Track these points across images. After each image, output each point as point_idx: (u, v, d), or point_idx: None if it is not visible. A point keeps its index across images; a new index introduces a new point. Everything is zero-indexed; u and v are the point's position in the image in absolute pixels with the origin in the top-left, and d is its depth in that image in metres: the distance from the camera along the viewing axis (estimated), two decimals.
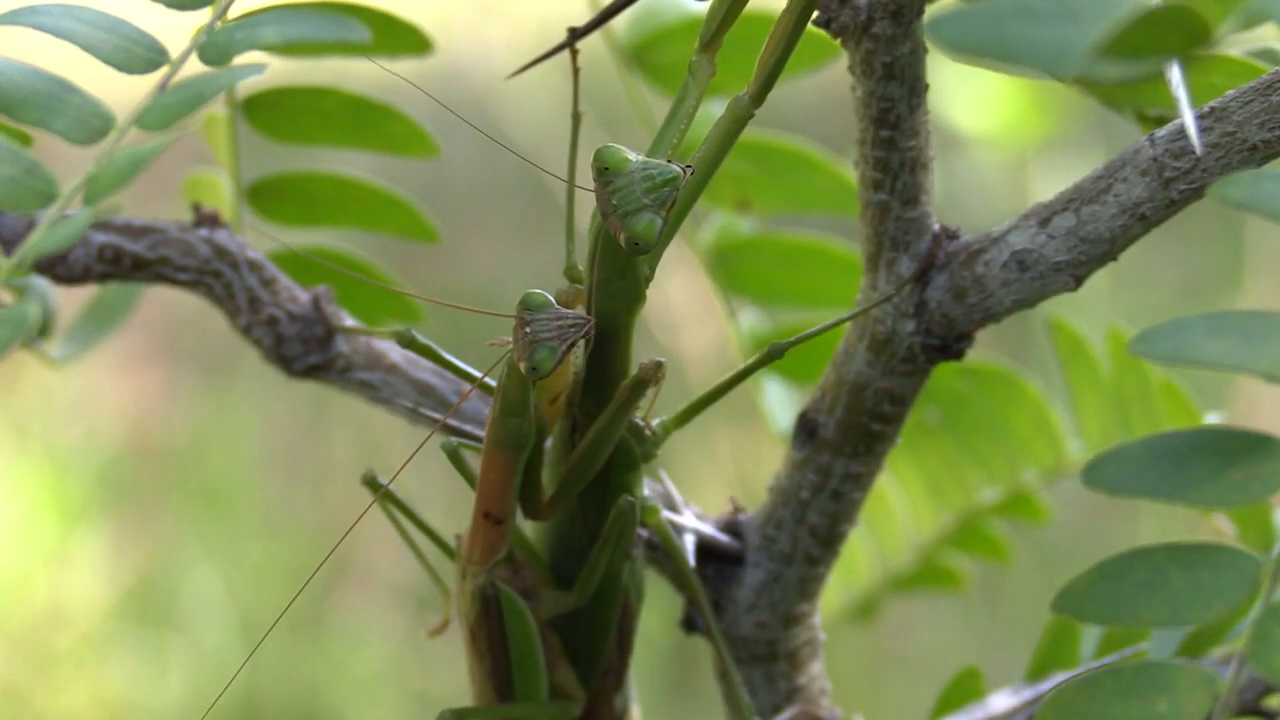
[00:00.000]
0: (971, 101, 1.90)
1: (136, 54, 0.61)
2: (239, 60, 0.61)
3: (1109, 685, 0.55)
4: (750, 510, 0.76)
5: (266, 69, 0.61)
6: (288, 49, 0.75)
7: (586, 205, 0.67)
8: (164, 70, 0.62)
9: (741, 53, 0.72)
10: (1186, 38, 0.47)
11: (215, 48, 0.61)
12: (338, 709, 2.00)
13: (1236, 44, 0.67)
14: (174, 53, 0.62)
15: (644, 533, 0.73)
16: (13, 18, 0.61)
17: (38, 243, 0.58)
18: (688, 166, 0.64)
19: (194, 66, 0.62)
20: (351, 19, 0.61)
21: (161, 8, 0.64)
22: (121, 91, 0.62)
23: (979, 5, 0.47)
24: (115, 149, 0.59)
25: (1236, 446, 0.54)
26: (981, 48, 0.46)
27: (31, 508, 2.12)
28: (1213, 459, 0.53)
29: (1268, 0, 0.47)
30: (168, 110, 0.59)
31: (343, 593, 2.10)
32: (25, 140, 0.67)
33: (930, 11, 0.65)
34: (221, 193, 0.85)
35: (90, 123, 0.59)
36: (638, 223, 0.63)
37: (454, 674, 1.92)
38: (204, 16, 0.64)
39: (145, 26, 0.63)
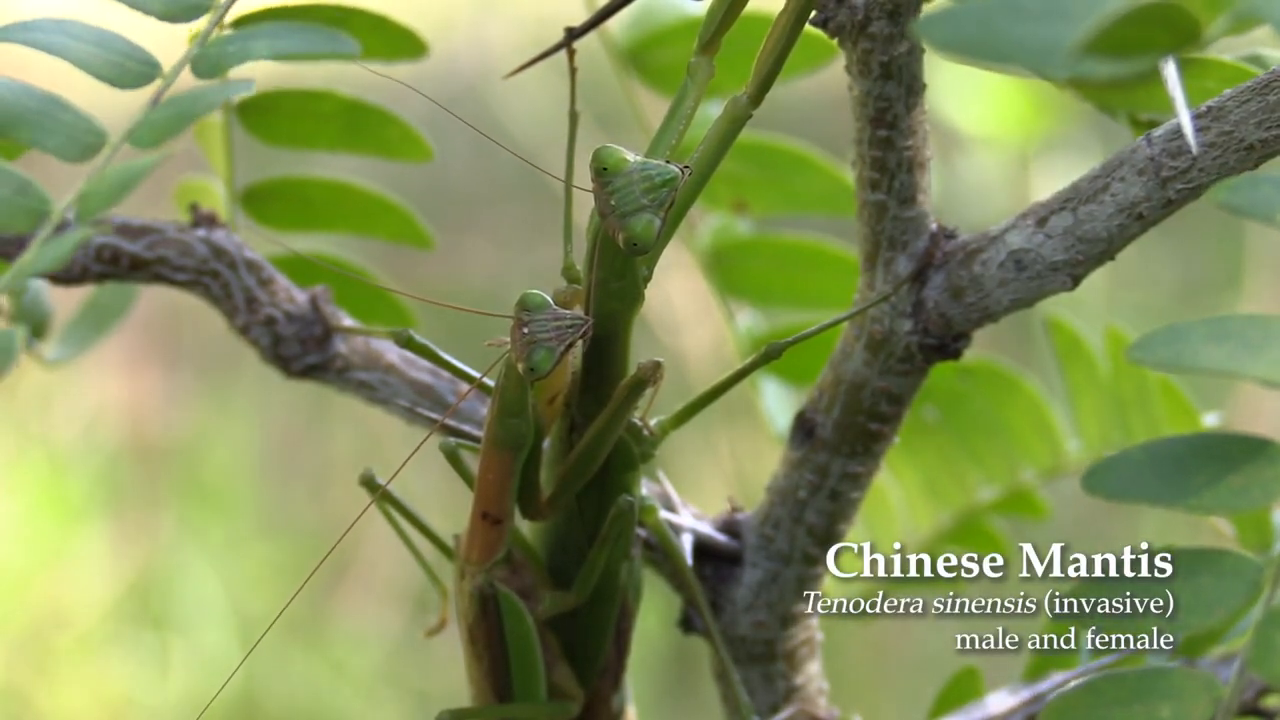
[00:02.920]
0: (970, 101, 1.89)
1: (129, 69, 0.61)
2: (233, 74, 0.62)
3: (1111, 691, 0.55)
4: (748, 510, 0.76)
5: (254, 84, 0.61)
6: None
7: (585, 205, 0.67)
8: (156, 84, 0.62)
9: (740, 53, 0.72)
10: (1176, 36, 0.47)
11: (207, 61, 0.61)
12: (337, 709, 2.00)
13: (1229, 49, 0.67)
14: (166, 67, 0.62)
15: (642, 532, 0.73)
16: (4, 34, 0.61)
17: (30, 262, 0.58)
18: (686, 167, 0.64)
19: (187, 80, 0.62)
20: (341, 32, 0.61)
21: (154, 21, 0.64)
22: (113, 106, 0.62)
23: (969, 4, 0.47)
24: (107, 165, 0.59)
25: (1237, 452, 0.54)
26: (972, 46, 0.47)
27: (31, 508, 2.12)
28: (1213, 465, 0.53)
29: (1259, 1, 0.47)
30: (159, 126, 0.59)
31: (342, 593, 2.10)
32: (11, 154, 0.67)
33: (923, 10, 0.65)
34: (215, 198, 0.85)
35: (83, 140, 0.59)
36: (636, 223, 0.63)
37: (453, 674, 1.92)
38: (196, 29, 0.64)
39: (137, 40, 0.63)
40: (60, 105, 0.60)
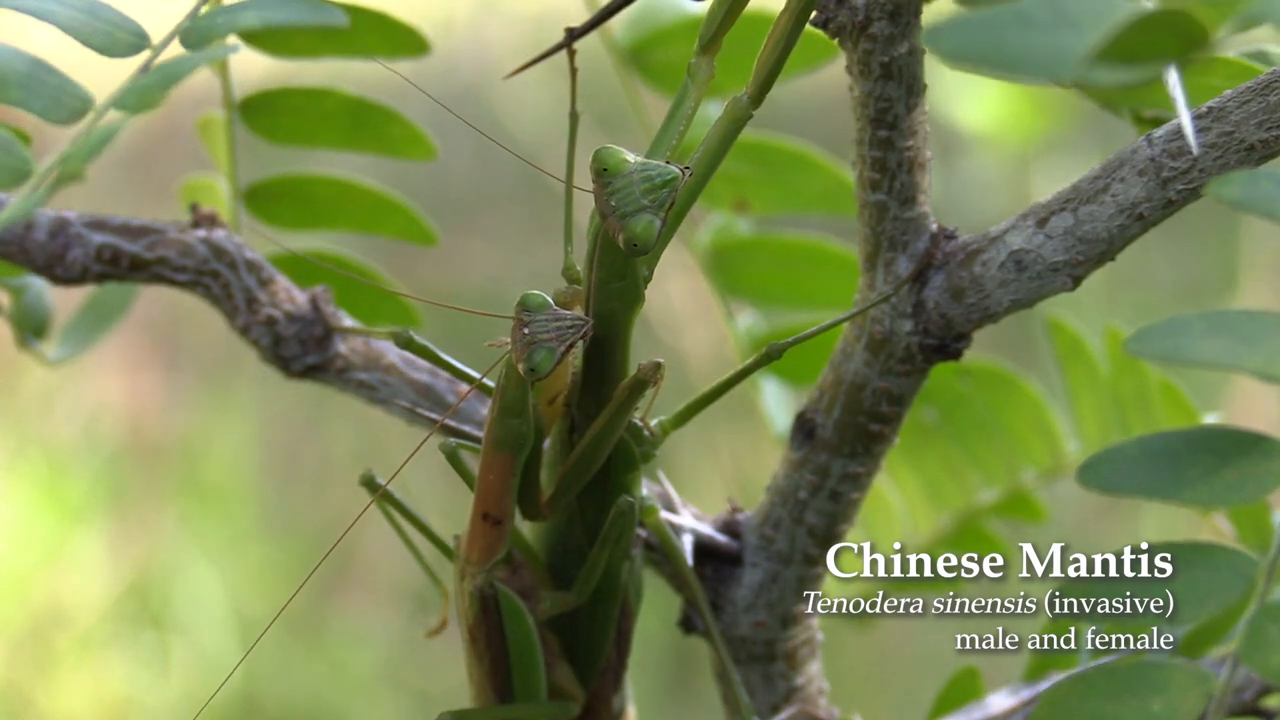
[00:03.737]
0: (971, 101, 1.90)
1: (118, 38, 0.62)
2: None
3: (1103, 684, 0.55)
4: (748, 510, 0.76)
5: (240, 47, 0.61)
6: (270, 38, 0.75)
7: (585, 205, 0.67)
8: (145, 54, 0.62)
9: (740, 54, 0.72)
10: (1184, 42, 0.47)
11: (197, 32, 0.62)
12: (338, 709, 2.00)
13: (1234, 45, 0.67)
14: (155, 38, 0.62)
15: (642, 533, 0.73)
16: None
17: (11, 211, 0.58)
18: (686, 167, 0.64)
19: (176, 51, 0.62)
20: (330, 5, 0.61)
21: (146, 4, 0.64)
22: (105, 76, 0.62)
23: (977, 14, 0.47)
24: (92, 129, 0.59)
25: (1231, 446, 0.54)
26: (981, 56, 0.47)
27: (30, 508, 2.12)
28: (1207, 458, 0.53)
29: (1265, 3, 0.47)
30: (146, 91, 0.59)
31: (342, 593, 2.10)
32: (25, 138, 0.67)
33: (929, 18, 0.65)
34: (219, 196, 0.85)
35: (68, 103, 0.60)
36: (637, 224, 0.63)
37: (453, 674, 1.92)
38: (187, 3, 0.64)
39: (127, 11, 0.63)
40: (47, 69, 0.60)
